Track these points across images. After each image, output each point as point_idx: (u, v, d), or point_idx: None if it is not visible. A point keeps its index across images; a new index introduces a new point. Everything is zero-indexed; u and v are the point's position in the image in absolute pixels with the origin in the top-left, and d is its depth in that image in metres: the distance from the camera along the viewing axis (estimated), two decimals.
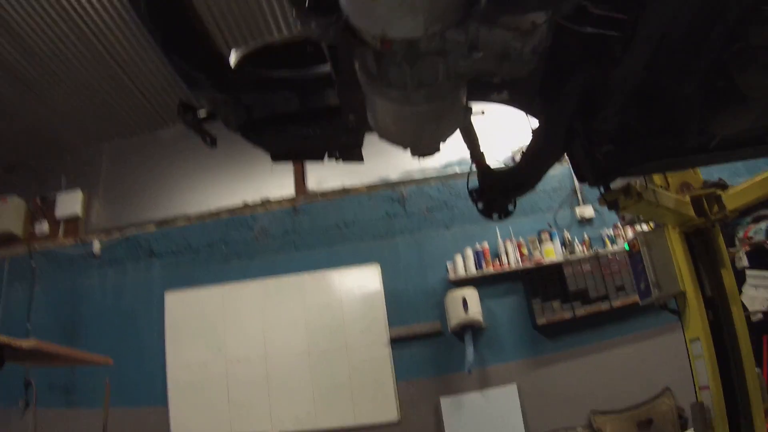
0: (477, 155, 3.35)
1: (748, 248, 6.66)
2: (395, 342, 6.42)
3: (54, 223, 7.72)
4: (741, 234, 7.19)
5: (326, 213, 6.91)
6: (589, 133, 2.68)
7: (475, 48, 1.80)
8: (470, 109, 2.45)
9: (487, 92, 2.48)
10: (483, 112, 2.71)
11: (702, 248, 4.90)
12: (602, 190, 3.51)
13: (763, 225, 7.17)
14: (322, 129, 2.70)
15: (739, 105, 2.41)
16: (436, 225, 6.86)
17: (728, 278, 4.93)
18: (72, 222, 7.67)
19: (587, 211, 7.01)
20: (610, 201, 4.38)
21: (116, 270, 7.21)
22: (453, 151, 6.96)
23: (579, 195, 7.13)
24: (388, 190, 7.00)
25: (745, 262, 6.45)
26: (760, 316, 6.22)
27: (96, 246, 7.35)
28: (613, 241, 6.86)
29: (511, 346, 6.59)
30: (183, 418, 6.47)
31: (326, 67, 2.22)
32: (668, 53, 2.27)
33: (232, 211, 7.20)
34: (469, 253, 6.59)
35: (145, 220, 7.45)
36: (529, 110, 2.86)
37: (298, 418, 6.28)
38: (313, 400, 6.35)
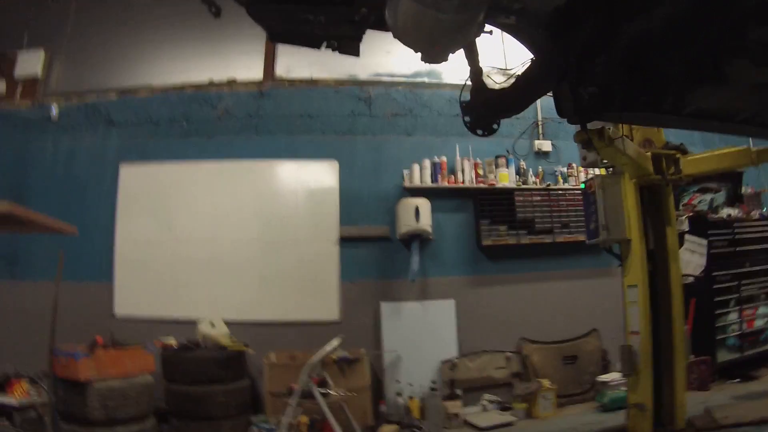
0: (475, 71, 3.50)
1: (690, 214, 7.12)
2: (344, 241, 6.59)
3: (12, 82, 7.31)
4: (686, 200, 7.66)
5: (291, 101, 6.91)
6: (580, 73, 2.85)
7: None
8: (484, 25, 2.53)
9: (497, 14, 2.59)
10: (491, 32, 2.77)
11: (652, 203, 5.32)
12: (579, 126, 3.70)
13: (707, 197, 7.65)
14: (328, 16, 2.73)
15: (718, 85, 2.66)
16: (399, 131, 7.01)
17: (672, 236, 5.32)
18: (31, 83, 7.30)
19: (545, 145, 7.33)
20: (585, 139, 4.67)
21: (72, 137, 6.99)
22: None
23: (540, 128, 7.43)
24: (356, 88, 7.06)
25: (685, 226, 6.90)
26: (691, 279, 6.71)
27: (54, 110, 7.06)
28: (565, 179, 7.23)
29: (454, 261, 6.92)
30: (127, 296, 6.45)
31: None
32: (674, 27, 2.44)
33: (197, 87, 7.06)
34: (427, 164, 6.80)
35: (107, 87, 7.20)
36: (525, 40, 3.03)
37: (242, 308, 6.36)
38: (258, 291, 6.46)
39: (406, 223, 6.50)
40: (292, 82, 7.02)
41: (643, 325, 4.99)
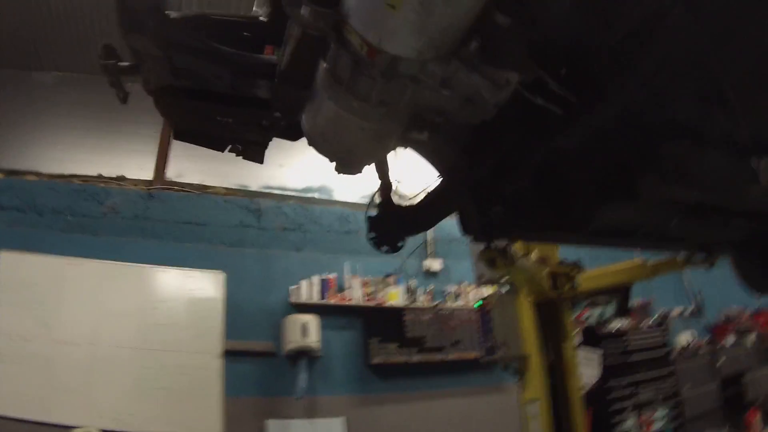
0: (385, 185, 3.46)
1: (583, 327, 7.54)
2: (229, 354, 6.49)
3: None
4: (576, 314, 8.13)
5: (181, 206, 6.98)
6: (489, 192, 2.91)
7: (447, 85, 1.93)
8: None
9: (413, 128, 2.45)
10: (406, 147, 2.82)
11: (549, 318, 5.72)
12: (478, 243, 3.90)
13: (597, 311, 8.15)
14: (237, 119, 2.70)
15: (628, 201, 2.71)
16: (288, 245, 7.21)
17: (569, 350, 5.66)
18: None
19: (435, 264, 7.75)
20: (491, 258, 5.16)
21: None
22: (314, 176, 7.80)
23: (429, 248, 7.89)
24: (246, 199, 7.27)
25: (577, 339, 7.28)
26: (584, 390, 6.96)
27: None
28: (456, 298, 7.62)
29: (343, 379, 6.90)
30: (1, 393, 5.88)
31: (270, 58, 2.31)
32: (591, 144, 2.49)
33: (85, 179, 6.93)
34: (316, 280, 6.98)
35: None
36: (433, 157, 3.14)
37: (119, 418, 5.99)
38: (137, 401, 6.12)
39: (293, 340, 6.55)
40: (183, 187, 7.15)
41: None
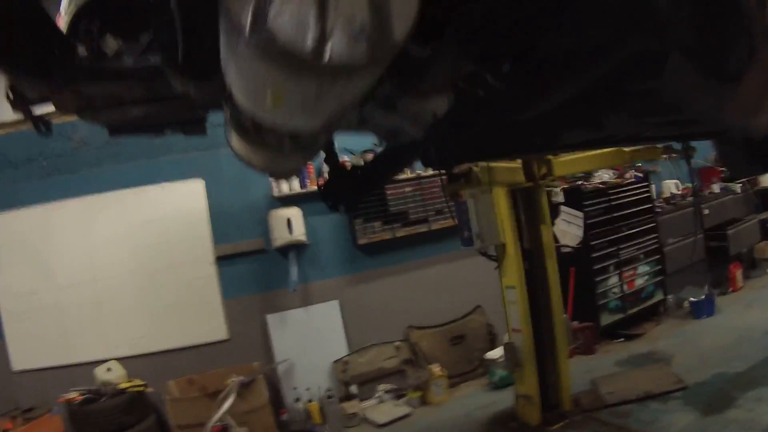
0: (333, 161, 3.60)
1: (565, 185, 7.55)
2: (221, 260, 6.78)
3: None
4: None
5: None
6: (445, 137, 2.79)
7: (365, 125, 1.93)
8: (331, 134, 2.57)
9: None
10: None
11: (525, 204, 5.68)
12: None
13: None
14: (165, 108, 2.66)
15: (592, 129, 2.67)
16: None
17: (546, 234, 5.72)
18: None
19: None
20: (454, 192, 4.94)
21: None
22: None
23: None
24: None
25: (561, 198, 7.32)
26: (569, 249, 7.19)
27: None
28: None
29: (333, 263, 7.23)
30: (22, 349, 6.48)
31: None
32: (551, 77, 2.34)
33: (48, 117, 6.69)
34: None
35: None
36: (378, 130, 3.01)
37: (133, 343, 6.51)
38: (146, 323, 6.60)
39: (280, 236, 6.76)
40: None
41: (524, 324, 5.48)
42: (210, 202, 6.80)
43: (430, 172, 7.43)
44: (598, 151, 5.60)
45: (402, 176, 7.35)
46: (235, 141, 2.38)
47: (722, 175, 8.75)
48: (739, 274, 8.26)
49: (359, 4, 1.22)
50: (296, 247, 6.90)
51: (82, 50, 2.19)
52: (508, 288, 5.63)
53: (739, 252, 8.52)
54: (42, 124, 2.63)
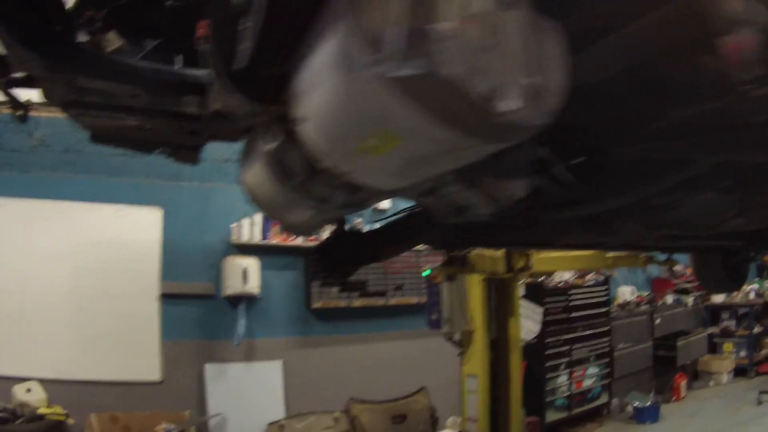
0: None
1: (528, 280, 7.75)
2: (166, 297, 6.53)
3: None
4: None
5: None
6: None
7: (429, 196, 1.77)
8: None
9: None
10: None
11: (498, 295, 5.80)
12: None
13: None
14: (161, 126, 2.39)
15: (606, 233, 2.80)
16: (230, 177, 6.65)
17: (514, 327, 5.84)
18: None
19: (384, 202, 7.73)
20: (450, 275, 5.04)
21: None
22: None
23: None
24: None
25: (522, 291, 7.50)
26: (523, 342, 7.33)
27: None
28: None
29: (283, 322, 7.12)
30: None
31: (198, 75, 1.94)
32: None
33: (14, 107, 6.40)
34: (259, 218, 6.88)
35: None
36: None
37: (58, 366, 6.07)
38: (76, 348, 6.20)
39: (233, 285, 6.63)
40: None
41: (482, 414, 5.47)
42: (164, 235, 6.59)
43: None
44: (581, 253, 5.80)
45: None
46: (259, 180, 2.06)
47: (675, 287, 9.21)
48: (683, 384, 8.57)
49: (535, 62, 1.09)
50: (247, 299, 6.76)
51: (82, 36, 1.96)
52: (469, 376, 5.67)
53: (685, 363, 8.85)
54: (22, 111, 2.39)
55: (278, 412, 6.82)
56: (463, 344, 5.70)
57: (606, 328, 8.08)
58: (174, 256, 6.60)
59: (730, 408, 7.94)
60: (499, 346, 5.77)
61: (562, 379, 7.58)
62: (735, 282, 5.34)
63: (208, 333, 6.74)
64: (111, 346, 6.28)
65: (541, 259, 5.80)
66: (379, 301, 7.46)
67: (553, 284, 7.88)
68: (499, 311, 5.82)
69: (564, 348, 7.64)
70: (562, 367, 7.61)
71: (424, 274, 6.12)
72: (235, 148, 6.87)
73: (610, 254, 5.89)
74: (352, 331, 7.44)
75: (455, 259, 5.23)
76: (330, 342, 7.31)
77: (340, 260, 3.48)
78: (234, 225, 6.89)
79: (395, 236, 3.22)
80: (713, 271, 5.04)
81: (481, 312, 5.60)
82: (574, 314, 7.81)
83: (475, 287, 5.59)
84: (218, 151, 6.87)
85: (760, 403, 7.82)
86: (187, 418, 6.16)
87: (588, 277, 8.22)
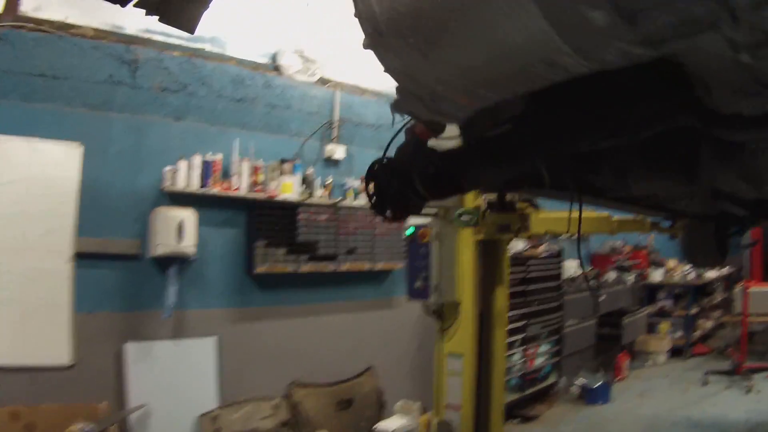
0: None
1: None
2: (81, 258, 5.18)
3: None
4: None
5: (36, 53, 5.10)
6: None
7: None
8: None
9: None
10: None
11: (487, 260, 5.12)
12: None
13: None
14: None
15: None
16: (167, 111, 5.74)
17: (502, 297, 5.20)
18: None
19: (338, 151, 6.79)
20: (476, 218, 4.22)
21: None
22: (205, 21, 6.14)
23: (336, 129, 6.88)
24: (120, 45, 5.51)
25: None
26: None
27: None
28: (356, 196, 6.80)
29: (219, 290, 6.03)
30: None
31: None
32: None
33: None
34: (197, 161, 5.68)
35: None
36: None
37: None
38: None
39: (164, 242, 5.39)
40: (39, 25, 5.15)
41: (467, 400, 4.81)
42: (84, 178, 5.21)
43: (349, 202, 6.66)
44: (586, 214, 5.28)
45: (317, 201, 6.46)
46: None
47: (615, 264, 9.18)
48: (626, 363, 8.60)
49: None
50: (180, 261, 5.57)
51: None
52: (451, 355, 5.01)
53: (628, 342, 8.90)
54: None
55: (211, 400, 5.81)
56: (446, 318, 5.02)
57: (558, 303, 7.82)
58: (93, 205, 5.27)
59: (676, 388, 8.15)
60: (483, 320, 5.16)
61: (517, 357, 7.22)
62: (722, 255, 5.27)
63: (131, 303, 5.50)
64: (9, 321, 4.92)
65: (540, 219, 5.12)
66: (329, 267, 6.55)
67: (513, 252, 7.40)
68: (486, 279, 5.20)
69: (520, 323, 7.26)
70: (517, 344, 7.23)
71: (408, 232, 5.34)
72: (175, 76, 5.75)
73: (616, 217, 5.48)
74: (297, 302, 6.52)
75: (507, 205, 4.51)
76: (272, 314, 6.34)
77: (408, 185, 2.63)
78: (168, 168, 5.58)
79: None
80: (704, 242, 4.97)
81: (471, 280, 4.93)
82: (531, 287, 7.44)
83: (466, 249, 4.90)
84: (157, 77, 5.61)
85: (705, 383, 8.01)
86: (103, 411, 5.01)
87: (540, 248, 7.85)
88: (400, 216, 2.95)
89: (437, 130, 2.47)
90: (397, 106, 2.00)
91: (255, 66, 6.34)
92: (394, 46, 1.59)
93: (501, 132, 2.30)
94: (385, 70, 1.74)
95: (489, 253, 5.17)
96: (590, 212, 5.14)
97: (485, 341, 5.13)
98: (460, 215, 4.63)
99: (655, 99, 1.99)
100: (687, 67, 1.44)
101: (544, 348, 7.63)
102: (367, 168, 2.79)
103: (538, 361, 7.55)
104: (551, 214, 5.26)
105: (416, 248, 5.06)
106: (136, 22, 5.56)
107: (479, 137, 2.42)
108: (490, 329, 5.16)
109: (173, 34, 5.80)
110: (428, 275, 4.94)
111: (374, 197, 2.78)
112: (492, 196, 4.51)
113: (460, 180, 2.64)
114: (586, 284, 8.41)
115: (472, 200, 4.72)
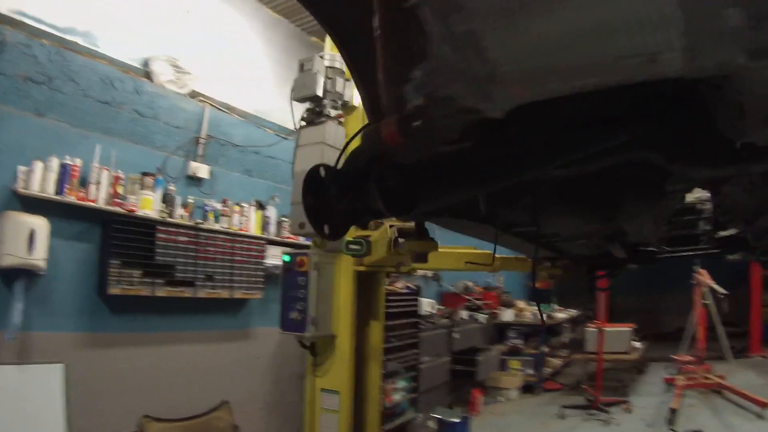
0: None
1: None
2: None
3: None
4: None
5: None
6: None
7: None
8: None
9: None
10: None
11: (364, 292, 5.20)
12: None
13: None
14: None
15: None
16: (28, 105, 5.17)
17: (378, 331, 5.17)
18: None
19: (202, 169, 6.49)
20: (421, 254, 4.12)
21: None
22: (82, 12, 5.71)
23: (202, 147, 6.58)
24: None
25: None
26: None
27: None
28: (217, 218, 6.52)
29: (69, 311, 5.42)
30: None
31: None
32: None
33: None
34: (55, 164, 5.15)
35: None
36: None
37: None
38: None
39: (13, 252, 4.77)
40: None
41: None
42: None
43: (210, 225, 6.36)
44: (470, 251, 5.39)
45: (178, 220, 6.11)
46: None
47: (467, 303, 9.45)
48: (480, 399, 8.76)
49: None
50: (28, 275, 4.98)
51: None
52: (325, 392, 4.92)
53: (483, 378, 9.11)
54: None
55: None
56: (319, 350, 4.93)
57: (415, 340, 7.88)
58: None
59: (535, 422, 8.42)
60: (358, 354, 5.14)
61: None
62: (592, 297, 5.61)
63: None
64: None
65: (439, 252, 5.29)
66: (187, 292, 6.14)
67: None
68: (362, 312, 5.18)
69: (382, 358, 7.23)
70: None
71: (285, 258, 5.21)
72: (42, 66, 5.31)
73: (499, 255, 5.64)
74: (152, 329, 6.04)
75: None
76: (125, 341, 5.80)
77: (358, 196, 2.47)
78: (23, 169, 5.02)
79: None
80: (576, 283, 5.30)
81: (349, 313, 4.91)
82: (389, 322, 7.45)
83: (344, 281, 4.89)
84: (22, 65, 5.11)
85: (563, 417, 8.37)
86: None
87: (399, 284, 7.96)
88: (341, 233, 2.71)
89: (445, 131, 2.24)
90: (433, 86, 1.55)
91: (126, 69, 5.96)
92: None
93: (461, 149, 2.17)
94: (437, 34, 1.34)
95: (366, 285, 5.16)
96: (472, 250, 5.29)
97: (360, 377, 5.08)
98: (349, 244, 4.59)
99: (621, 129, 1.82)
100: (727, 90, 1.40)
101: (401, 384, 7.63)
102: (305, 178, 2.58)
103: (396, 397, 7.53)
104: (451, 248, 5.35)
105: (293, 277, 4.94)
106: (9, 1, 5.08)
107: (441, 151, 2.24)
108: (365, 364, 5.12)
109: (45, 21, 5.32)
110: (305, 307, 4.84)
111: (314, 210, 2.57)
112: (407, 224, 4.48)
113: (417, 198, 2.45)
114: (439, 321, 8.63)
115: (354, 230, 4.70)
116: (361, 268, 5.03)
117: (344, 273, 4.90)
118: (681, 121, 1.90)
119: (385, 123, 1.97)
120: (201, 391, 6.34)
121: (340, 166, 2.47)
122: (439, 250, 5.06)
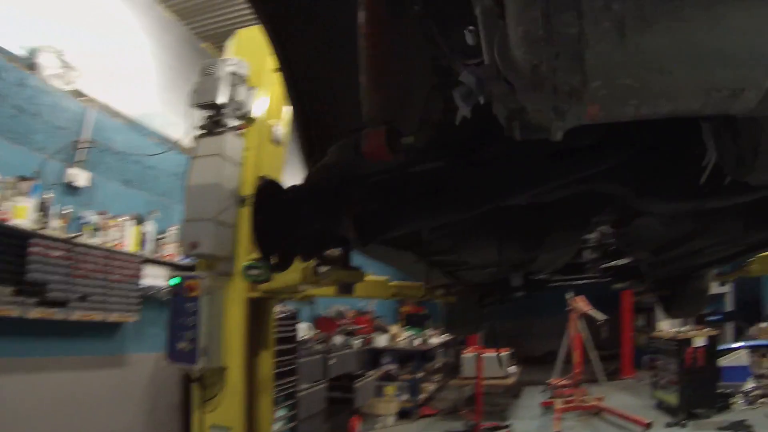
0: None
1: None
2: None
3: None
4: None
5: None
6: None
7: None
8: None
9: None
10: None
11: (254, 320, 4.94)
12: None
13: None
14: None
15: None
16: None
17: (268, 362, 4.97)
18: None
19: (82, 177, 5.88)
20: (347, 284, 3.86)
21: None
22: None
23: (83, 152, 5.99)
24: None
25: None
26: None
27: None
28: (95, 232, 5.94)
29: None
30: None
31: None
32: None
33: None
34: None
35: None
36: None
37: None
38: None
39: None
40: None
41: None
42: None
43: (86, 239, 5.79)
44: (373, 278, 5.27)
45: (52, 233, 5.47)
46: None
47: (339, 328, 9.29)
48: (359, 426, 8.62)
49: None
50: None
51: None
52: (215, 428, 4.66)
53: (360, 405, 8.97)
54: None
55: None
56: (209, 385, 4.67)
57: (294, 366, 7.63)
58: None
59: None
60: (251, 387, 4.92)
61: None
62: (480, 323, 5.74)
63: None
64: None
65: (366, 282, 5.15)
66: (59, 314, 5.51)
67: None
68: (252, 341, 4.95)
69: (273, 390, 6.94)
70: None
71: (172, 282, 4.87)
72: None
73: (394, 282, 5.59)
74: (22, 353, 5.36)
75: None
76: None
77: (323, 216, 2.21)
78: None
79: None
80: (466, 311, 5.37)
81: (241, 342, 4.70)
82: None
83: (235, 308, 4.69)
84: None
85: None
86: None
87: (275, 308, 7.68)
88: (288, 264, 2.43)
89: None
90: (515, 97, 1.24)
91: (11, 57, 5.33)
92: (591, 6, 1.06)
93: (449, 170, 2.09)
94: (536, 42, 1.10)
95: (257, 312, 4.92)
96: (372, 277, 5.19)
97: (250, 411, 4.83)
98: (248, 269, 4.26)
99: (589, 161, 1.86)
100: (744, 130, 1.42)
101: (280, 413, 7.35)
102: (257, 192, 2.35)
103: (277, 426, 7.24)
104: (376, 278, 5.22)
105: (181, 303, 4.62)
106: None
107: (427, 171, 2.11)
108: (255, 397, 4.88)
109: None
110: (196, 335, 4.52)
111: (264, 232, 2.28)
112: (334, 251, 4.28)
113: (391, 225, 2.23)
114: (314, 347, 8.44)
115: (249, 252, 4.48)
116: (255, 294, 4.77)
117: (236, 299, 4.63)
118: (657, 156, 1.94)
119: (370, 135, 1.81)
120: (73, 423, 5.74)
121: (304, 181, 2.26)
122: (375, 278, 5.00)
